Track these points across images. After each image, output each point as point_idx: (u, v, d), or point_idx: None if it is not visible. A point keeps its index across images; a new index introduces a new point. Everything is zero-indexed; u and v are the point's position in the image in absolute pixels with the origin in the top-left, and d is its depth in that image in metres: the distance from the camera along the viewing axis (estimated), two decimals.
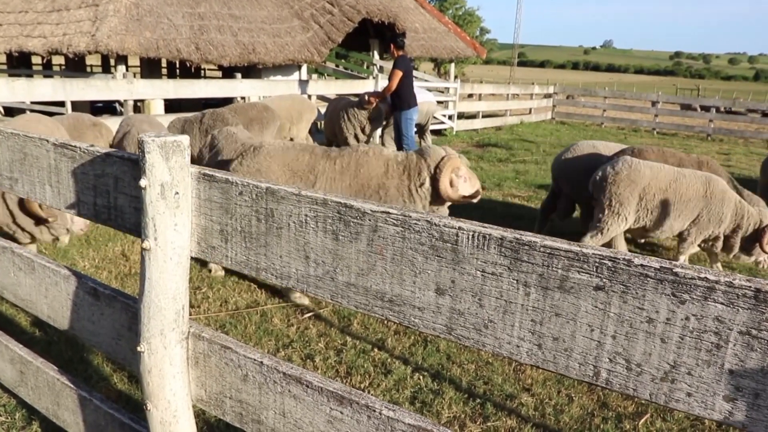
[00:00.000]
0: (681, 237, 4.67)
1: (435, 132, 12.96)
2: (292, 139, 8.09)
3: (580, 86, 24.05)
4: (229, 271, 4.30)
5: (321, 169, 3.90)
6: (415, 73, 10.35)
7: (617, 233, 4.66)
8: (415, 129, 8.49)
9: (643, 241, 5.64)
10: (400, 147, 8.02)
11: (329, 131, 8.81)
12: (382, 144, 9.23)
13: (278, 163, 3.90)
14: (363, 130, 8.26)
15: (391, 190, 3.94)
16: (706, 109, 17.58)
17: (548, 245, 0.98)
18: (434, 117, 11.59)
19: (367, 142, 8.42)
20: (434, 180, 3.94)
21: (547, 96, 18.88)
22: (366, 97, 8.07)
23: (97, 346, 1.79)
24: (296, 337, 3.46)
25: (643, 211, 4.50)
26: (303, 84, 10.25)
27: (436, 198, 4.01)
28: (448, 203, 4.11)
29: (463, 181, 4.03)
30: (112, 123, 6.99)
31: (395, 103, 7.89)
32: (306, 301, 3.94)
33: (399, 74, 7.61)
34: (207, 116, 6.37)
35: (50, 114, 7.66)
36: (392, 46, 7.87)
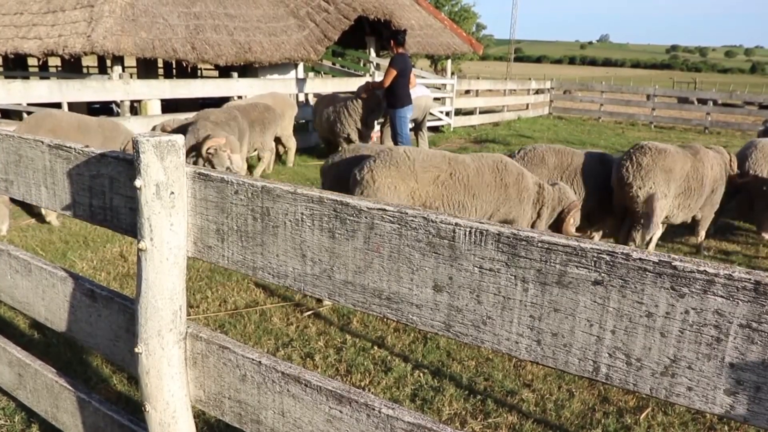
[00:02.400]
0: None
1: (432, 129, 12.94)
2: (278, 138, 8.09)
3: (577, 81, 24.03)
4: (227, 271, 4.29)
5: (704, 173, 4.55)
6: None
7: None
8: (411, 125, 8.48)
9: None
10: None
11: (326, 130, 8.75)
12: (382, 143, 9.20)
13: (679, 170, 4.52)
14: (364, 123, 8.27)
15: (720, 186, 4.75)
16: (703, 102, 17.55)
17: (546, 240, 0.97)
18: (431, 113, 11.57)
19: (367, 135, 8.41)
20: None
21: (543, 91, 18.86)
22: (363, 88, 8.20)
23: (95, 347, 1.78)
24: (296, 335, 3.46)
25: None
26: (300, 82, 10.22)
27: None
28: None
29: None
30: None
31: (390, 101, 7.85)
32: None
33: (393, 73, 7.59)
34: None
35: None
36: (392, 42, 7.84)
